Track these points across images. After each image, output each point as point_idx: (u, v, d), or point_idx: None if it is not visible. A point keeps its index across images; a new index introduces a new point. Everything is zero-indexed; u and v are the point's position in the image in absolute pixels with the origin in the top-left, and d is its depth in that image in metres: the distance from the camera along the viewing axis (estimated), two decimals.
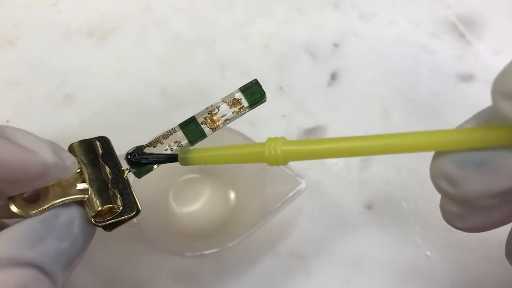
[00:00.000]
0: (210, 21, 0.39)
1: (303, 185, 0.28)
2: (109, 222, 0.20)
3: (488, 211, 0.18)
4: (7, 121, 0.34)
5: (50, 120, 0.34)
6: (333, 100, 0.36)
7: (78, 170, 0.20)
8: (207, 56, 0.37)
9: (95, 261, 0.30)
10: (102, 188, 0.20)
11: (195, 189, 0.31)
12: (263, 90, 0.22)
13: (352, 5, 0.40)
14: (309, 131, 0.34)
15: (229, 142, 0.30)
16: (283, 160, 0.19)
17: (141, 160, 0.22)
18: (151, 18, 0.39)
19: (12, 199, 0.18)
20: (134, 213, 0.21)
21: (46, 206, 0.18)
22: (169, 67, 0.37)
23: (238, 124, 0.30)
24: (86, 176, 0.20)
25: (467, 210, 0.18)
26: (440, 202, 0.19)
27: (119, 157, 0.22)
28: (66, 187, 0.19)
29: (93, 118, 0.34)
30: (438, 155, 0.18)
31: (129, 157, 0.21)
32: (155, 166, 0.22)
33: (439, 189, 0.18)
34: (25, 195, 0.18)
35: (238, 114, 0.22)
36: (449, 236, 0.31)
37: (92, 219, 0.20)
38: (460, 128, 0.18)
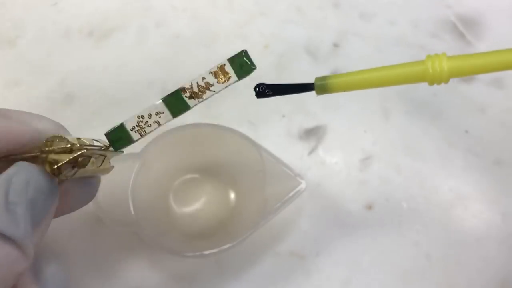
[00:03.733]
0: (210, 21, 0.39)
1: (303, 185, 0.28)
2: (68, 160, 0.19)
3: None
4: None
5: None
6: (333, 100, 0.36)
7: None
8: (207, 56, 0.37)
9: (95, 261, 0.30)
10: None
11: (195, 189, 0.31)
12: (253, 63, 0.21)
13: (352, 5, 0.40)
14: (309, 131, 0.34)
15: (229, 141, 0.30)
16: (448, 77, 0.18)
17: (270, 92, 0.19)
18: (151, 17, 0.39)
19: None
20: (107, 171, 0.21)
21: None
22: (169, 67, 0.37)
23: (238, 124, 0.30)
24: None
25: None
26: None
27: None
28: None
29: (93, 118, 0.34)
30: None
31: (257, 89, 0.19)
32: (136, 139, 0.21)
33: None
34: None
35: (224, 84, 0.21)
36: (449, 236, 0.31)
37: (48, 169, 0.19)
38: None
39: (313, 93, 0.36)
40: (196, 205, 0.31)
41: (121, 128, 0.21)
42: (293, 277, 0.30)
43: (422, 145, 0.34)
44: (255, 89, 0.19)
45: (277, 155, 0.29)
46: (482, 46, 0.38)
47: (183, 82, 0.36)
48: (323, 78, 0.18)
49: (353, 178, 0.33)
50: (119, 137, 0.21)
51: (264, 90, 0.19)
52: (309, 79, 0.36)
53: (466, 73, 0.18)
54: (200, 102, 0.21)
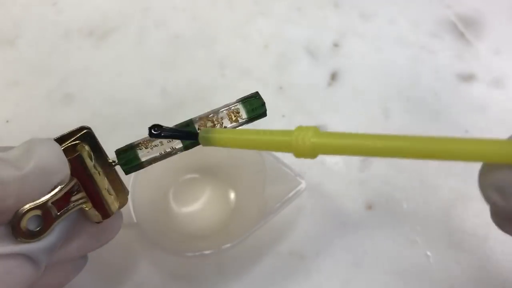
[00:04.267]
0: (210, 21, 0.39)
1: (303, 185, 0.28)
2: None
3: None
4: (7, 121, 0.34)
5: (49, 120, 0.34)
6: (333, 100, 0.36)
7: (73, 185, 0.20)
8: (207, 56, 0.37)
9: (95, 261, 0.30)
10: (97, 200, 0.20)
11: (195, 189, 0.31)
12: (265, 107, 0.22)
13: (352, 5, 0.40)
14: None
15: None
16: (312, 152, 0.17)
17: (162, 133, 0.20)
18: (151, 18, 0.39)
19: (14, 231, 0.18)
20: (124, 203, 0.21)
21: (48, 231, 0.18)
22: (169, 67, 0.37)
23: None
24: (82, 188, 0.20)
25: None
26: (490, 210, 0.18)
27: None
28: (62, 201, 0.19)
29: (93, 118, 0.34)
30: (490, 166, 0.17)
31: (151, 130, 0.20)
32: (146, 161, 0.21)
33: (489, 200, 0.17)
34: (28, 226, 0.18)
35: (236, 127, 0.22)
36: (449, 236, 0.31)
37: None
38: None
39: (313, 93, 0.36)
40: (196, 205, 0.31)
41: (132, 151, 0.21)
42: (293, 277, 0.30)
43: None
44: (149, 129, 0.20)
45: (277, 155, 0.29)
46: (482, 46, 0.38)
47: (183, 82, 0.36)
48: (207, 131, 0.20)
49: (353, 178, 0.33)
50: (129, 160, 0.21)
51: (157, 132, 0.20)
52: (309, 79, 0.36)
53: (330, 152, 0.17)
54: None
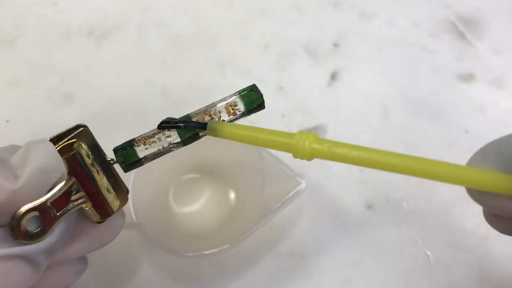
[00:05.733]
0: (210, 21, 0.39)
1: (303, 185, 0.28)
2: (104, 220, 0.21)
3: None
4: (7, 121, 0.34)
5: (50, 120, 0.34)
6: (333, 100, 0.36)
7: (71, 184, 0.19)
8: (207, 55, 0.37)
9: (95, 261, 0.30)
10: (97, 199, 0.20)
11: (195, 189, 0.31)
12: (263, 99, 0.22)
13: (352, 5, 0.40)
14: (309, 131, 0.34)
15: (229, 141, 0.30)
16: (310, 156, 0.19)
17: (172, 123, 0.21)
18: (151, 17, 0.39)
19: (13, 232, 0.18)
20: (125, 202, 0.21)
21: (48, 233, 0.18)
22: (169, 67, 0.37)
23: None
24: (81, 188, 0.20)
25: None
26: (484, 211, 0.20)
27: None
28: (61, 201, 0.19)
29: (93, 118, 0.34)
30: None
31: (161, 124, 0.21)
32: (144, 159, 0.22)
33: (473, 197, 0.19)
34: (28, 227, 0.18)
35: (234, 120, 0.22)
36: (449, 236, 0.31)
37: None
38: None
39: (313, 93, 0.36)
40: (196, 205, 0.31)
41: (131, 150, 0.21)
42: (293, 277, 0.30)
43: (422, 145, 0.34)
44: (160, 123, 0.21)
45: (277, 155, 0.29)
46: (482, 46, 0.38)
47: (183, 82, 0.36)
48: (216, 123, 0.21)
49: (353, 178, 0.33)
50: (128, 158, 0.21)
51: (166, 123, 0.21)
52: (309, 79, 0.36)
53: (326, 158, 0.19)
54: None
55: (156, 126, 0.21)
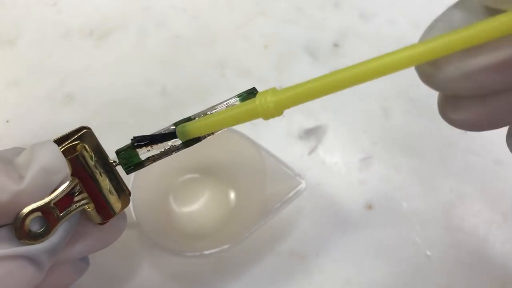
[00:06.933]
0: (210, 21, 0.39)
1: (303, 185, 0.28)
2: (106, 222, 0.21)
3: (484, 99, 0.16)
4: (7, 121, 0.34)
5: (50, 120, 0.34)
6: (333, 100, 0.36)
7: (74, 185, 0.20)
8: (207, 56, 0.37)
9: (95, 261, 0.30)
10: (100, 200, 0.20)
11: (195, 189, 0.31)
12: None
13: (352, 5, 0.40)
14: (309, 131, 0.34)
15: (229, 141, 0.30)
16: (277, 111, 0.19)
17: (143, 141, 0.21)
18: (151, 18, 0.39)
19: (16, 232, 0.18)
20: (127, 204, 0.21)
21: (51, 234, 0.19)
22: (169, 67, 0.37)
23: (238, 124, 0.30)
24: (84, 189, 0.20)
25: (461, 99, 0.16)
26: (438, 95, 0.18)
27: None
28: (64, 202, 0.19)
29: (93, 118, 0.34)
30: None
31: (133, 142, 0.21)
32: (146, 161, 0.22)
33: (421, 74, 0.17)
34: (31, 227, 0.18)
35: None
36: (449, 236, 0.31)
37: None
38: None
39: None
40: (196, 205, 0.31)
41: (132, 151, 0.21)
42: (293, 277, 0.30)
43: (422, 145, 0.34)
44: (131, 140, 0.21)
45: (277, 155, 0.29)
46: None
47: (183, 82, 0.36)
48: (182, 126, 0.21)
49: (353, 178, 0.33)
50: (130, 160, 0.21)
51: (140, 140, 0.21)
52: (309, 79, 0.36)
53: (292, 104, 0.19)
54: (208, 135, 0.21)
55: (155, 127, 0.22)
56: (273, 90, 0.19)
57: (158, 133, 0.21)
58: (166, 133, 0.21)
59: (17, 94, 0.35)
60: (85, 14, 0.39)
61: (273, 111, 0.19)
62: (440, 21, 0.17)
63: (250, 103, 0.19)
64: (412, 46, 0.15)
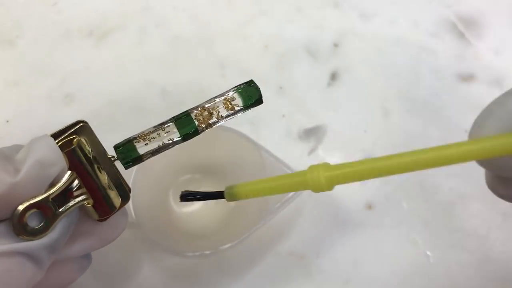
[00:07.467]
0: (210, 21, 0.39)
1: None
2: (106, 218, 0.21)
3: None
4: (7, 121, 0.34)
5: (50, 120, 0.34)
6: (333, 100, 0.36)
7: (72, 180, 0.19)
8: (207, 56, 0.37)
9: (95, 261, 0.30)
10: (99, 196, 0.20)
11: (195, 189, 0.31)
12: (260, 94, 0.22)
13: (352, 5, 0.40)
14: (309, 131, 0.34)
15: (229, 141, 0.30)
16: (328, 186, 0.19)
17: (188, 196, 0.23)
18: (151, 18, 0.39)
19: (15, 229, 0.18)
20: (127, 200, 0.21)
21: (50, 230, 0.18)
22: (169, 67, 0.37)
23: (238, 124, 0.30)
24: (82, 184, 0.20)
25: None
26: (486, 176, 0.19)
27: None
28: (62, 198, 0.19)
29: (93, 118, 0.34)
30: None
31: (181, 197, 0.23)
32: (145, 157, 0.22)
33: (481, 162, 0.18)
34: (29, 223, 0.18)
35: (232, 115, 0.22)
36: (449, 236, 0.31)
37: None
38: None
39: (313, 93, 0.36)
40: (196, 205, 0.31)
41: (131, 145, 0.21)
42: (293, 277, 0.30)
43: (422, 145, 0.34)
44: (181, 196, 0.24)
45: (277, 155, 0.29)
46: (482, 46, 0.38)
47: (183, 82, 0.36)
48: (231, 187, 0.22)
49: None
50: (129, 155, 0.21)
51: (187, 196, 0.23)
52: (309, 79, 0.36)
53: (343, 182, 0.19)
54: (207, 128, 0.22)
55: (155, 125, 0.22)
56: (326, 165, 0.19)
57: (207, 192, 0.23)
58: (214, 193, 0.23)
59: (17, 94, 0.35)
60: (85, 14, 0.39)
61: (324, 186, 0.19)
62: (496, 109, 0.19)
63: (301, 175, 0.19)
64: (469, 143, 0.17)
